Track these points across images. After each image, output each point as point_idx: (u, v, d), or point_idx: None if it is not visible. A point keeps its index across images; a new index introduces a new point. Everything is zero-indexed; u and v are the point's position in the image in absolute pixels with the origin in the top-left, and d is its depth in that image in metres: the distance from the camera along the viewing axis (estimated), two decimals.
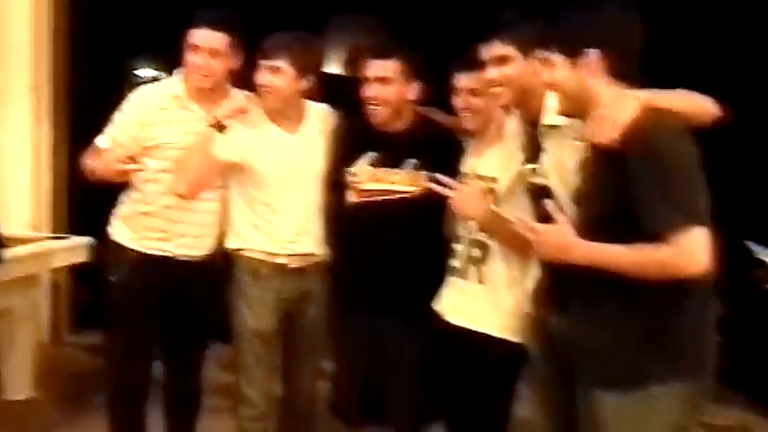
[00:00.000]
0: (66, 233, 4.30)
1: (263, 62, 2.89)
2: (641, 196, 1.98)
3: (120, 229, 3.05)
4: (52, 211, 4.56)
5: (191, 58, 2.89)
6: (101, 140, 2.96)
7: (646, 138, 2.00)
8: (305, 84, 2.93)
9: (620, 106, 2.04)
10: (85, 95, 4.93)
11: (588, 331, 2.17)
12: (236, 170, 2.97)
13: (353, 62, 7.21)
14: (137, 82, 7.30)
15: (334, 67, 7.42)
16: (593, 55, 2.10)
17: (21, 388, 3.96)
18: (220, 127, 2.90)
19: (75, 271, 4.54)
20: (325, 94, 3.35)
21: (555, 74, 2.16)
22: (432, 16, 6.03)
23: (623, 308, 2.09)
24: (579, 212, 2.18)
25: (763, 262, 4.28)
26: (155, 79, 7.32)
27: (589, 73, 2.11)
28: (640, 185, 1.98)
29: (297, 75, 2.88)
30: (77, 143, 4.71)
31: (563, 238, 2.10)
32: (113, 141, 2.85)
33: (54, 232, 4.35)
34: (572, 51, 2.12)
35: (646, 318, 2.07)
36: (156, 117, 2.92)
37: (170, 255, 2.99)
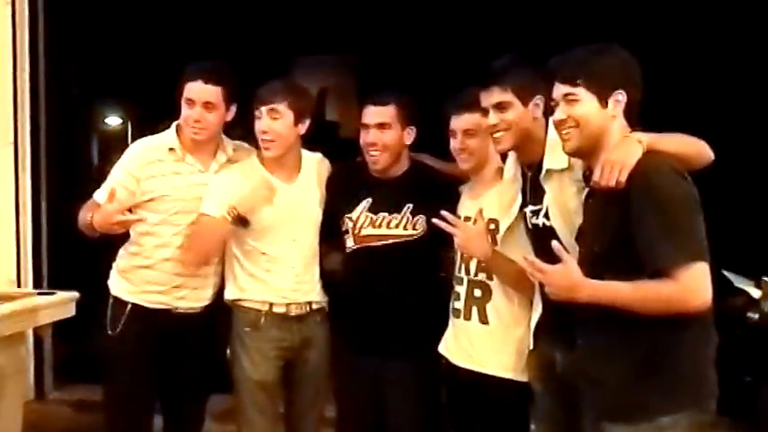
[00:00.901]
0: (47, 287, 4.27)
1: (261, 108, 2.92)
2: (645, 234, 2.07)
3: (119, 283, 3.05)
4: (33, 266, 4.52)
5: (186, 111, 2.93)
6: (98, 195, 2.97)
7: (649, 179, 2.09)
8: (301, 129, 2.97)
9: (628, 151, 2.13)
10: (57, 146, 4.93)
11: (592, 363, 2.24)
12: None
13: (321, 106, 7.29)
14: (106, 130, 7.32)
15: None
16: (621, 96, 2.20)
17: None
18: (242, 220, 2.90)
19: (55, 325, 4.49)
20: None
21: (580, 109, 2.21)
22: (407, 59, 6.15)
23: (624, 340, 2.16)
24: (580, 249, 2.26)
25: (743, 291, 4.40)
26: (123, 125, 7.42)
27: (615, 112, 2.21)
28: (644, 224, 2.07)
29: (295, 118, 2.93)
30: (55, 195, 4.73)
31: (570, 278, 2.16)
32: (111, 194, 2.86)
33: (35, 286, 4.32)
34: (604, 91, 2.20)
35: (646, 349, 2.14)
36: (153, 170, 2.95)
37: (169, 307, 3.00)
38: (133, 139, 7.75)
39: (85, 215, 2.92)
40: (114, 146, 7.16)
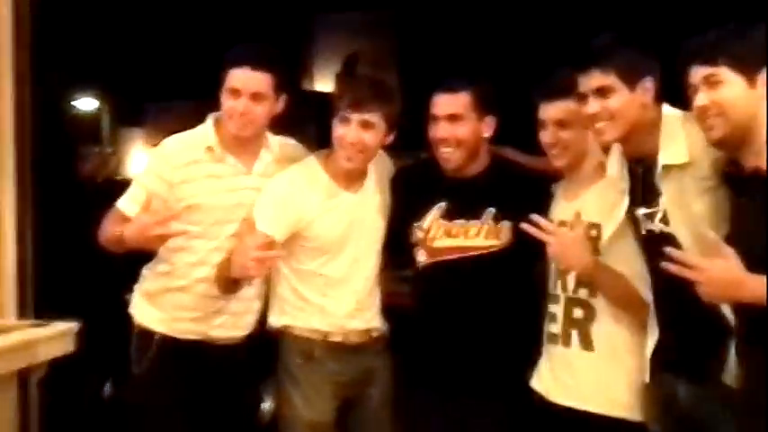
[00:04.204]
0: (35, 318, 4.58)
1: (352, 115, 3.18)
2: None
3: (145, 310, 3.36)
4: (17, 293, 4.82)
5: (229, 103, 3.20)
6: (124, 204, 3.26)
7: None
8: (389, 139, 3.26)
9: None
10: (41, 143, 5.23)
11: (758, 391, 2.44)
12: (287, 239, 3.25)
13: (351, 74, 7.54)
14: (76, 113, 7.68)
15: (322, 82, 7.73)
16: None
17: None
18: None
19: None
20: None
21: (725, 92, 2.49)
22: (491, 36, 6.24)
23: None
24: (738, 255, 2.43)
25: None
26: (99, 109, 7.77)
27: (765, 93, 2.47)
28: None
29: (387, 129, 3.22)
30: (42, 205, 5.03)
31: (733, 272, 2.39)
32: (147, 204, 3.10)
33: (20, 317, 4.62)
34: (751, 69, 2.47)
35: None
36: (187, 174, 3.22)
37: (204, 338, 3.31)
38: (110, 125, 8.15)
39: (111, 229, 3.21)
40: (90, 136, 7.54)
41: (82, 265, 4.13)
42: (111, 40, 6.58)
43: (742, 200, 2.56)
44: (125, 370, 3.42)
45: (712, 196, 2.68)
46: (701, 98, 2.54)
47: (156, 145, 3.41)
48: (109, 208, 3.35)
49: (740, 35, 2.51)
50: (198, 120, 3.37)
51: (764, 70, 2.48)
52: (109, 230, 3.23)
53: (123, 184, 3.44)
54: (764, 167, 2.44)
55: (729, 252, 2.41)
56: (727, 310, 2.58)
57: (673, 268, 2.46)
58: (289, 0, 6.79)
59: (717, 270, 2.41)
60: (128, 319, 3.47)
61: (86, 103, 7.80)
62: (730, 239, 2.50)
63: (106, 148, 7.56)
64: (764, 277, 2.36)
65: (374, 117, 3.17)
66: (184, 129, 3.41)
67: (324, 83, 7.51)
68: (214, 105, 3.31)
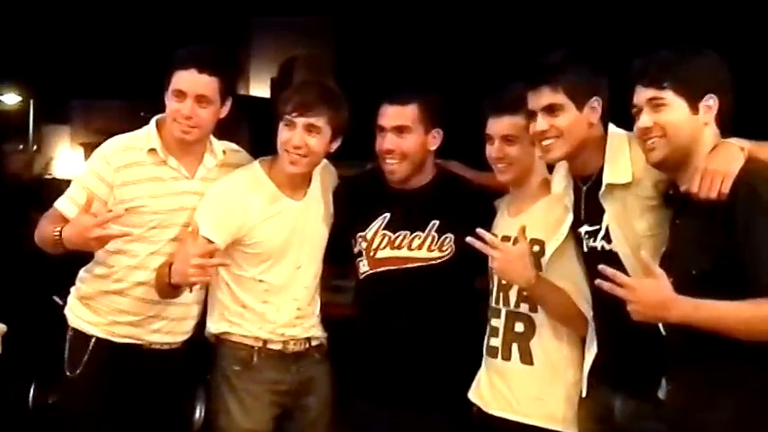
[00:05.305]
0: None
1: (298, 119, 3.25)
2: (753, 248, 2.45)
3: (81, 312, 3.39)
4: None
5: (173, 105, 3.25)
6: (63, 204, 3.28)
7: (756, 188, 2.49)
8: (334, 146, 3.33)
9: (729, 158, 2.55)
10: None
11: (691, 408, 2.59)
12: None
13: (288, 80, 7.60)
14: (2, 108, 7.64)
15: (259, 87, 7.78)
16: (712, 101, 2.63)
17: None
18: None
19: None
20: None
21: (668, 115, 2.63)
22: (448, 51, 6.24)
23: (733, 377, 2.51)
24: (670, 274, 2.56)
25: None
26: (23, 104, 7.72)
27: (706, 119, 2.63)
28: (752, 237, 2.45)
29: (332, 135, 3.29)
30: None
31: (662, 293, 2.51)
32: (88, 203, 3.12)
33: None
34: (694, 95, 2.62)
35: (760, 388, 2.49)
36: (128, 175, 3.27)
37: (142, 343, 3.36)
38: (35, 122, 8.11)
39: (49, 229, 3.23)
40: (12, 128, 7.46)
41: (8, 265, 4.10)
42: (39, 36, 6.53)
43: (678, 221, 2.70)
44: (52, 374, 3.44)
45: (655, 215, 2.82)
46: (644, 119, 2.67)
47: (82, 143, 3.44)
48: (36, 207, 3.38)
49: (687, 60, 2.66)
50: (127, 119, 3.38)
51: (707, 97, 2.63)
52: (46, 230, 3.26)
53: (50, 183, 3.45)
54: (694, 190, 2.58)
55: (659, 272, 2.53)
56: (661, 328, 2.71)
57: (605, 286, 2.57)
58: (225, 3, 6.81)
59: (646, 290, 2.53)
60: (57, 322, 3.50)
61: (10, 99, 7.72)
62: (665, 259, 2.65)
63: (31, 146, 7.49)
64: (691, 299, 2.49)
65: (320, 121, 3.24)
66: (112, 127, 3.41)
67: (259, 88, 7.54)
68: (144, 105, 3.33)
